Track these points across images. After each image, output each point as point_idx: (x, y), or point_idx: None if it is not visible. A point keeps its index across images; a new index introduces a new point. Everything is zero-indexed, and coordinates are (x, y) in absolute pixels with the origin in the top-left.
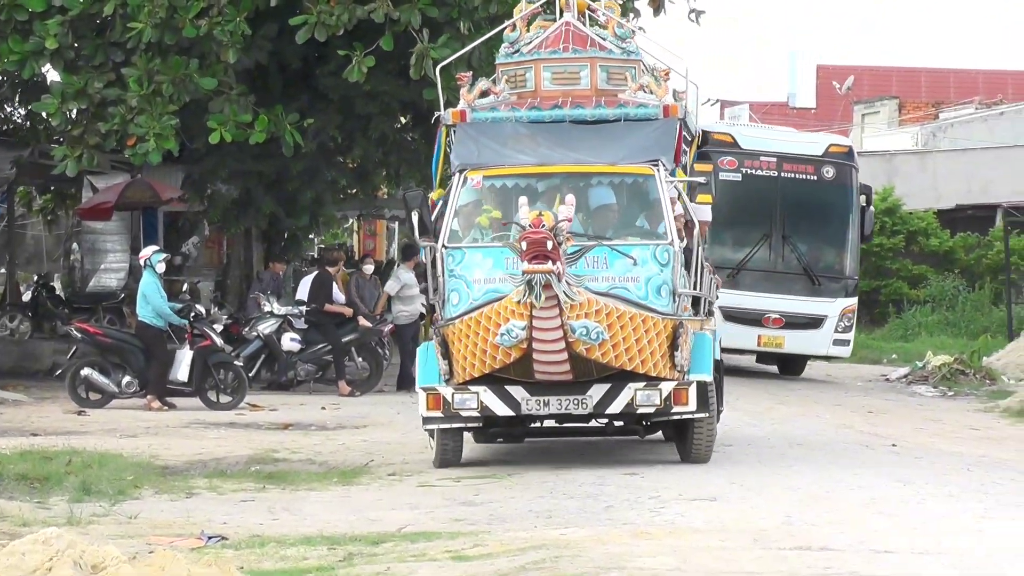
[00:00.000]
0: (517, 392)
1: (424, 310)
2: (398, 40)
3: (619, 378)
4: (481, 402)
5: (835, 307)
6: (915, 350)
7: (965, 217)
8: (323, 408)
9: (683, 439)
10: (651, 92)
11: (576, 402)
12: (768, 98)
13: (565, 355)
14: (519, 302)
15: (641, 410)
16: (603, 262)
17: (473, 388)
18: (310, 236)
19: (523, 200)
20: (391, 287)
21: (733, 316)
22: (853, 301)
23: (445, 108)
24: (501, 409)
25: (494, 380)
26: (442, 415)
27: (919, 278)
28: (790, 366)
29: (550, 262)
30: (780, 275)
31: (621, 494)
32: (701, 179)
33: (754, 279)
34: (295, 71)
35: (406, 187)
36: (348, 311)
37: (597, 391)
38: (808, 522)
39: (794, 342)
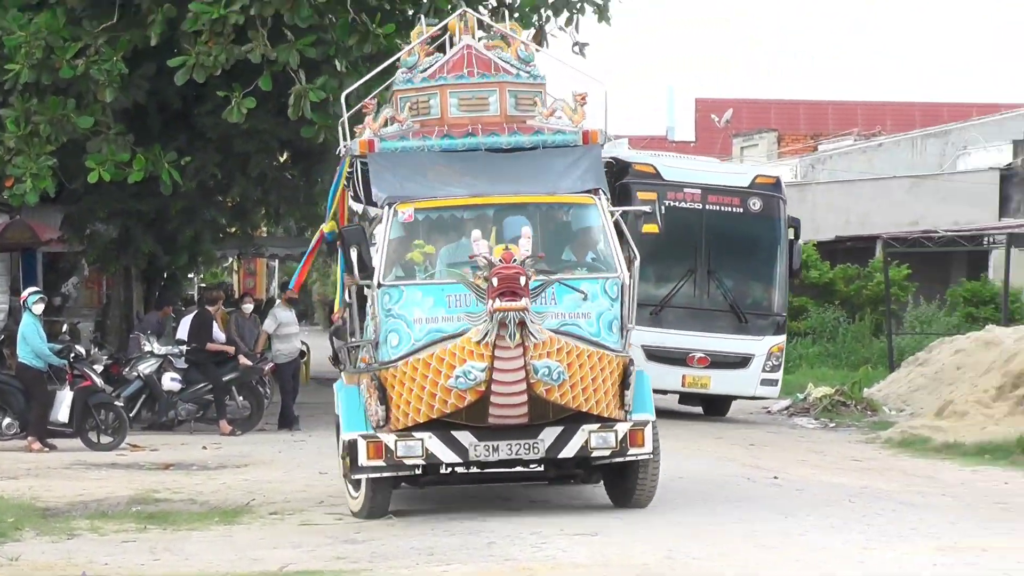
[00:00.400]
0: (464, 438)
1: (304, 348)
2: (276, 79)
3: (571, 420)
4: (426, 449)
5: (762, 345)
6: (796, 382)
7: (844, 248)
8: (204, 447)
9: (625, 482)
10: (562, 117)
11: (527, 447)
12: (647, 132)
13: (525, 397)
14: (480, 342)
15: (596, 453)
16: (551, 297)
17: (417, 435)
18: (189, 275)
19: (477, 233)
20: (269, 325)
21: (656, 355)
22: (782, 339)
23: (345, 139)
24: (448, 456)
25: (438, 425)
26: (384, 464)
27: (799, 310)
28: (715, 407)
29: (523, 299)
30: (705, 312)
31: (503, 530)
32: (646, 208)
33: (678, 316)
34: (174, 110)
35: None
36: (229, 350)
37: (549, 435)
38: (691, 555)
39: (720, 382)
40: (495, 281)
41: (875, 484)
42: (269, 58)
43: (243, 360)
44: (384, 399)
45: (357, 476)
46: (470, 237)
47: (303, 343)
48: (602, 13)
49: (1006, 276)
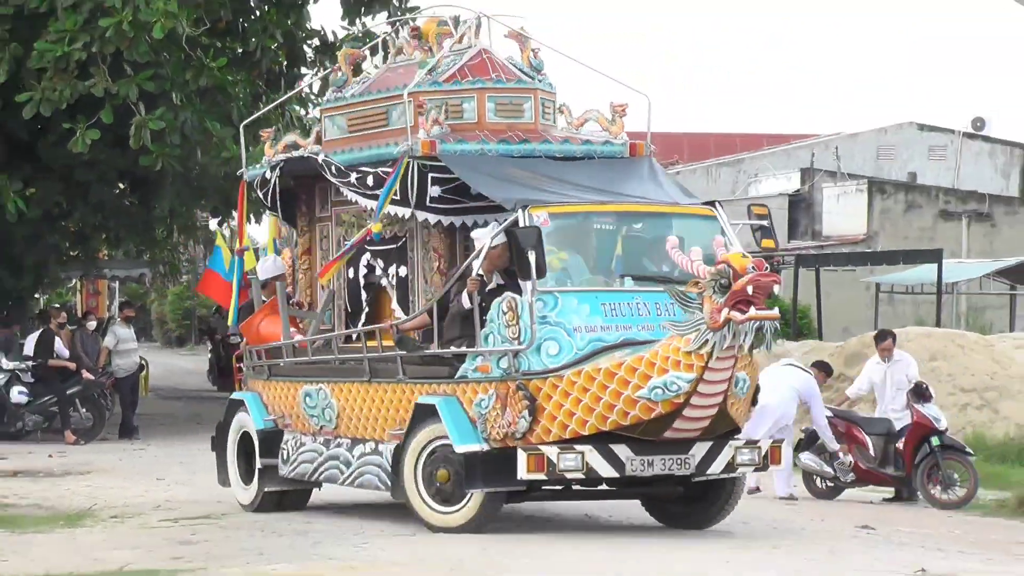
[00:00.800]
0: (621, 451)
1: (143, 363)
2: (116, 111)
3: (720, 436)
4: (587, 462)
5: None
6: None
7: None
8: (50, 456)
9: (711, 500)
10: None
11: (679, 462)
12: None
13: (716, 410)
14: (693, 352)
15: (740, 469)
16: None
17: (578, 447)
18: (35, 296)
19: (699, 248)
20: (109, 342)
21: None
22: None
23: (242, 167)
24: (606, 470)
25: (595, 438)
26: (545, 476)
27: None
28: None
29: (775, 308)
30: None
31: (328, 531)
32: (765, 223)
33: None
34: (20, 142)
35: (519, 223)
36: (71, 365)
37: (699, 450)
38: (503, 552)
39: None
40: (750, 289)
41: None
42: (110, 92)
43: (86, 374)
44: (533, 409)
45: (474, 489)
46: (610, 245)
47: (142, 358)
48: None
49: (794, 294)
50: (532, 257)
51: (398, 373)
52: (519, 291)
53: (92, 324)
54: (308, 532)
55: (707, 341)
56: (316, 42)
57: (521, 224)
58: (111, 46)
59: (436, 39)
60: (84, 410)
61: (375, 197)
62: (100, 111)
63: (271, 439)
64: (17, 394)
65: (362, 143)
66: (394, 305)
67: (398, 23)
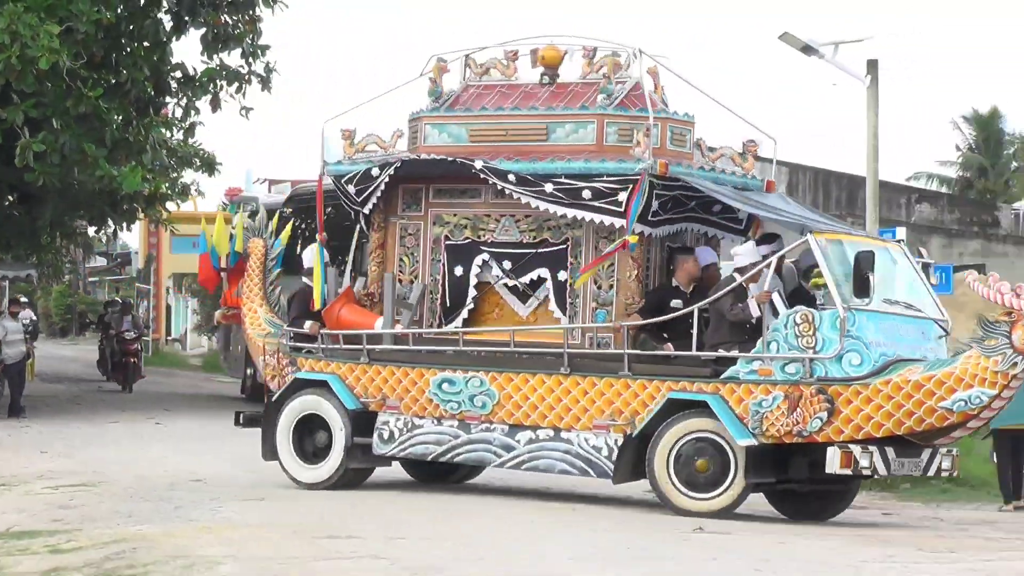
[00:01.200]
0: (890, 452)
1: (30, 351)
2: (5, 134)
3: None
4: (873, 461)
5: None
6: None
7: None
8: None
9: (839, 496)
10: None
11: (914, 464)
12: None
13: (979, 423)
14: (999, 371)
15: (943, 473)
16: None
17: (869, 447)
18: None
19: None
20: None
21: None
22: None
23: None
24: (880, 468)
25: (876, 441)
26: (850, 472)
27: None
28: None
29: None
30: None
31: (188, 496)
32: (930, 260)
33: None
34: None
35: (861, 249)
36: None
37: (925, 454)
38: (339, 515)
39: None
40: None
41: None
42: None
43: None
44: (831, 412)
45: (752, 480)
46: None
47: (33, 346)
48: (265, 83)
49: None
50: (870, 277)
51: (622, 368)
52: (681, 301)
53: None
54: (171, 498)
55: (1016, 363)
56: (179, 74)
57: (814, 246)
58: (1, 78)
59: (610, 67)
60: None
61: (564, 204)
62: None
63: (363, 419)
64: None
65: (514, 154)
66: (552, 307)
67: (509, 46)
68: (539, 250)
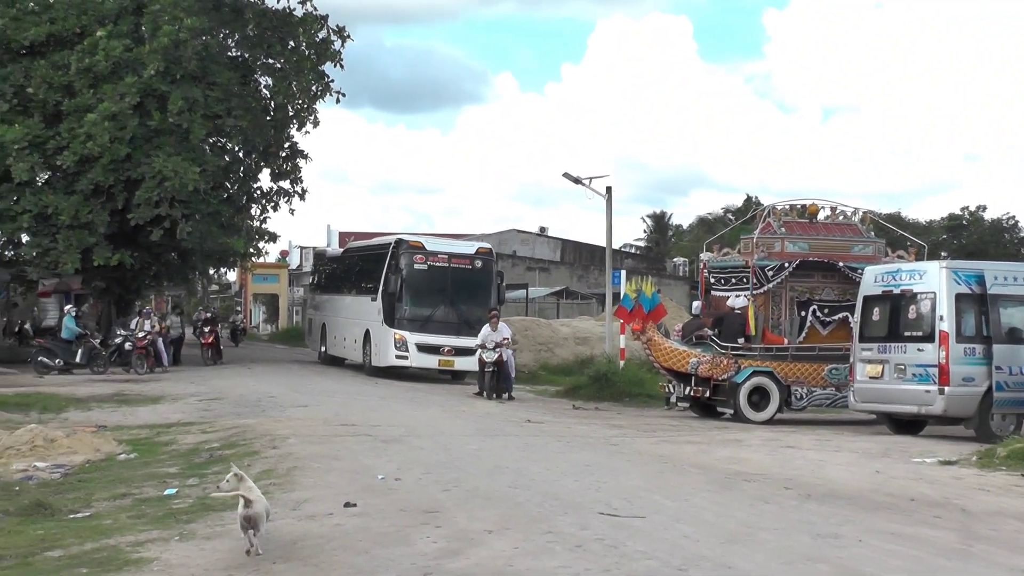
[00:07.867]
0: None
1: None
2: (171, 222)
3: None
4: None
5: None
6: None
7: None
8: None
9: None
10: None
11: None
12: None
13: None
14: None
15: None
16: None
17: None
18: None
19: None
20: None
21: (424, 348)
22: None
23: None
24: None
25: None
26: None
27: None
28: (457, 376)
29: None
30: (450, 324)
31: (268, 404)
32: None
33: (436, 326)
34: None
35: None
36: None
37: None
38: (351, 412)
39: (460, 363)
40: None
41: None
42: None
43: None
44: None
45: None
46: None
47: (182, 333)
48: (302, 196)
49: None
50: None
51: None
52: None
53: None
54: (261, 406)
55: None
56: (257, 192)
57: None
58: (168, 194)
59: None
60: None
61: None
62: None
63: (784, 389)
64: None
65: (837, 258)
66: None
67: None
68: (843, 303)
